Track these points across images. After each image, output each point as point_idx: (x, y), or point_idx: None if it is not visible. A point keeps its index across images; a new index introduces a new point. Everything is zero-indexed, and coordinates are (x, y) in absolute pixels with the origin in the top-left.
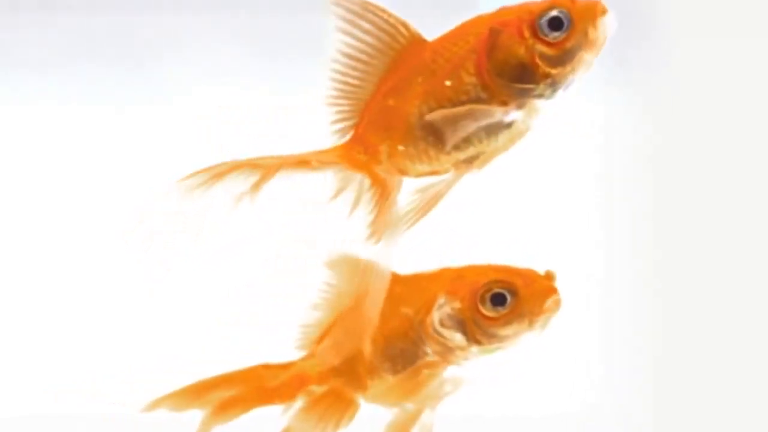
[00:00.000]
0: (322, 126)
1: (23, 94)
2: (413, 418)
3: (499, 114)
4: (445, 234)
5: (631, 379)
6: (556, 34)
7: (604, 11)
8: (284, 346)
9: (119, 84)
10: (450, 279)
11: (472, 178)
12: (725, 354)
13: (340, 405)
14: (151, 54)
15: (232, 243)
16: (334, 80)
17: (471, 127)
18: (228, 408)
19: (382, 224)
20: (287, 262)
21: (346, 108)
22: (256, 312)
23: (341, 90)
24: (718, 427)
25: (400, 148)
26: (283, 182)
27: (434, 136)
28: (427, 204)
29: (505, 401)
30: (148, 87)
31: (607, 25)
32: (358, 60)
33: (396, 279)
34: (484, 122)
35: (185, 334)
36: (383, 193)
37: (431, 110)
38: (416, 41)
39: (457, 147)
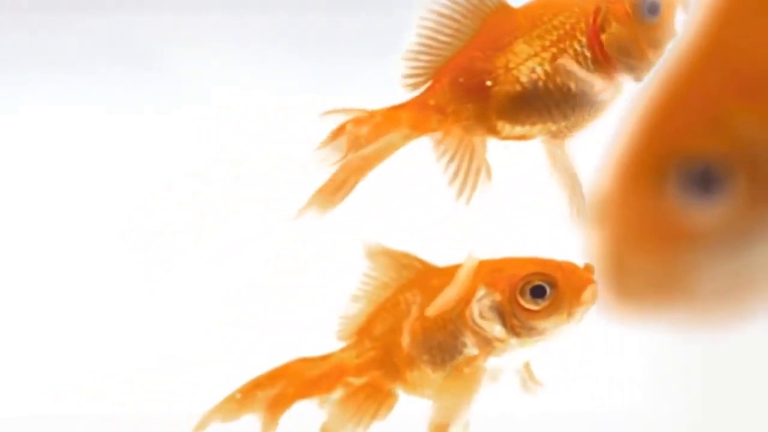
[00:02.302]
0: (321, 126)
1: (45, 96)
2: (452, 412)
3: (610, 90)
4: (482, 227)
5: (675, 377)
6: (652, 19)
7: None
8: (285, 346)
9: (127, 86)
10: (489, 271)
11: (505, 172)
12: None
13: (378, 396)
14: (163, 55)
15: (232, 243)
16: (420, 35)
17: (579, 96)
18: (277, 406)
19: (470, 184)
20: (287, 262)
21: (423, 65)
22: (257, 312)
23: (425, 45)
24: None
25: (496, 108)
26: (282, 181)
27: (542, 99)
28: (570, 179)
29: (547, 399)
30: (159, 89)
31: (679, 25)
32: (449, 18)
33: (434, 271)
34: (594, 95)
35: (185, 334)
36: (467, 153)
37: (546, 74)
38: (503, 6)
39: (551, 116)
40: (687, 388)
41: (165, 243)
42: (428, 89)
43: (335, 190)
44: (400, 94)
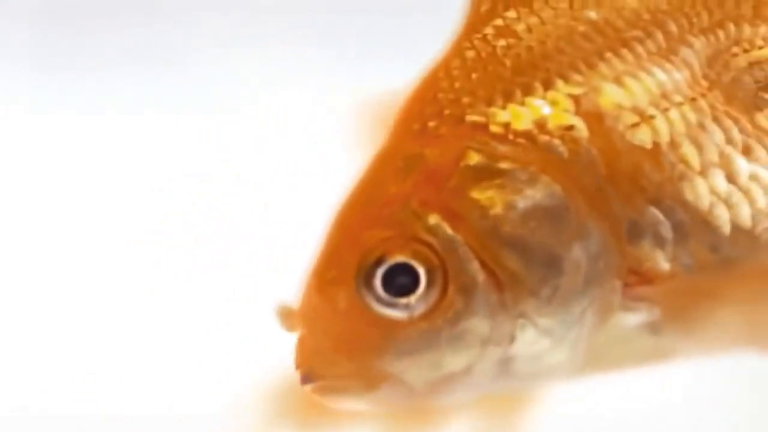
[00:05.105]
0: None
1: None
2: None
3: None
4: None
5: (719, 381)
6: None
7: None
8: (286, 345)
9: (168, 88)
10: None
11: None
12: None
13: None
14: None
15: (233, 242)
16: None
17: None
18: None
19: None
20: (287, 262)
21: None
22: (256, 311)
23: None
24: None
25: None
26: (283, 180)
27: None
28: None
29: (597, 398)
30: (198, 91)
31: None
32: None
33: None
34: None
35: (186, 334)
36: None
37: None
38: None
39: None
40: (729, 392)
41: (165, 242)
42: None
43: None
44: None
